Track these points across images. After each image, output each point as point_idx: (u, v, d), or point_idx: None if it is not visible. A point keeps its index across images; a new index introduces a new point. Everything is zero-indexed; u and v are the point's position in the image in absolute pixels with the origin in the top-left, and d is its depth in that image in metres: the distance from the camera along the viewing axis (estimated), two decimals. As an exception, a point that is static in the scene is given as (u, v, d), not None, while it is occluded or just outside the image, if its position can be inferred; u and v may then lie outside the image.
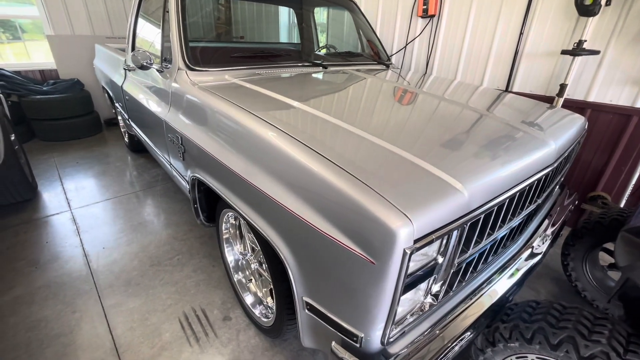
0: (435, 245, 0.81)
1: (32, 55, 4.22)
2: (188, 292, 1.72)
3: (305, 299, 0.97)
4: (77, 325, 1.52)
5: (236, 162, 1.15)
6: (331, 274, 0.86)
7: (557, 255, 2.09)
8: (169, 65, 1.71)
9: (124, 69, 2.45)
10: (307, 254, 0.91)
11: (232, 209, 1.38)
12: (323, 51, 2.66)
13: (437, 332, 0.95)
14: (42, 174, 3.01)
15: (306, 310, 0.99)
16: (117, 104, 3.17)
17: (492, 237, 1.03)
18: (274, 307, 1.28)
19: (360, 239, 0.75)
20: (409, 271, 0.76)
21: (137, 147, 3.51)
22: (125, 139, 3.65)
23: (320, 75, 1.82)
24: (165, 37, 1.77)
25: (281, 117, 1.14)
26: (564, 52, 2.01)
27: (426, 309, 0.94)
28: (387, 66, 2.42)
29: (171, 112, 1.63)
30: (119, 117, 3.63)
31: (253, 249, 1.45)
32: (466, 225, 0.83)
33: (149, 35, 2.06)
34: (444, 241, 0.81)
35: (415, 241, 0.72)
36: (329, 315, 0.92)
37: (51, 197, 2.62)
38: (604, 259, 1.84)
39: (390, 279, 0.74)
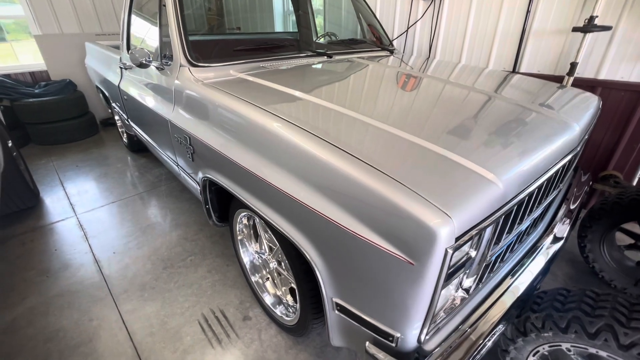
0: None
1: (20, 56, 4.09)
2: (205, 294, 1.71)
3: (335, 299, 0.95)
4: (96, 333, 1.51)
5: (253, 162, 1.10)
6: (364, 275, 0.84)
7: (572, 237, 2.09)
8: (170, 62, 1.64)
9: (120, 67, 2.37)
10: (337, 255, 0.88)
11: (248, 209, 1.35)
12: (323, 39, 2.58)
13: (470, 326, 0.94)
14: (42, 179, 2.95)
15: (336, 311, 0.97)
16: (114, 104, 3.09)
17: (520, 227, 1.01)
18: (297, 307, 1.26)
19: (396, 240, 0.72)
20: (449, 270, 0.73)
21: (136, 147, 3.45)
22: (124, 139, 3.58)
23: (327, 66, 1.76)
24: (164, 33, 1.70)
25: (297, 113, 1.09)
26: (575, 30, 1.95)
27: (458, 304, 0.92)
28: (391, 52, 2.35)
29: (176, 111, 1.58)
30: (117, 117, 3.55)
31: (271, 248, 1.43)
32: (501, 218, 0.81)
33: (145, 31, 1.98)
34: (479, 235, 0.78)
35: (456, 239, 0.69)
36: (362, 315, 0.90)
37: (54, 202, 2.58)
38: (621, 239, 1.83)
39: (430, 279, 0.71)
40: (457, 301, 0.93)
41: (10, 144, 2.55)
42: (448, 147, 0.88)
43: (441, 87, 1.44)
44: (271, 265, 1.44)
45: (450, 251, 0.67)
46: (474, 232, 0.72)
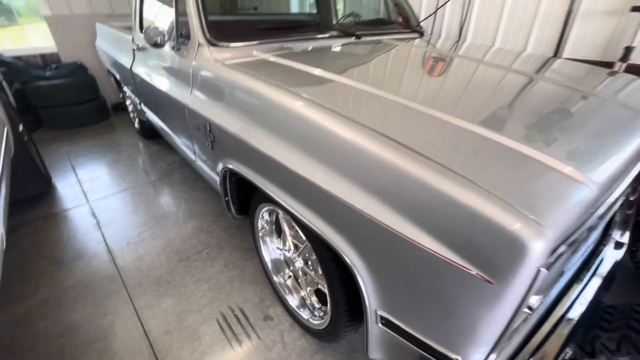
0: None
1: (31, 39, 3.99)
2: (222, 290, 1.62)
3: (380, 312, 0.84)
4: (111, 329, 1.43)
5: (285, 154, 0.98)
6: (420, 290, 0.72)
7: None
8: (187, 42, 1.51)
9: (133, 49, 2.25)
10: (386, 265, 0.76)
11: (274, 204, 1.23)
12: (347, 20, 2.40)
13: (536, 348, 0.82)
14: (54, 164, 2.89)
15: (380, 325, 0.86)
16: (125, 88, 2.98)
17: (594, 233, 0.87)
18: (328, 311, 1.16)
19: (470, 254, 0.60)
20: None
21: (149, 134, 3.35)
22: (136, 125, 3.49)
23: (357, 47, 1.60)
24: (180, 10, 1.56)
25: (338, 100, 0.96)
26: (634, 9, 1.75)
27: (521, 322, 0.80)
28: (421, 34, 2.17)
29: (194, 95, 1.45)
30: (128, 102, 3.45)
31: (296, 246, 1.32)
32: (593, 225, 0.67)
33: (160, 9, 1.84)
34: (573, 249, 0.65)
35: (549, 255, 0.56)
36: (412, 333, 0.78)
37: (67, 189, 2.51)
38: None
39: (511, 302, 0.59)
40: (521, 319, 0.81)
41: (21, 128, 2.47)
42: (521, 140, 0.74)
43: (491, 71, 1.28)
44: (296, 264, 1.33)
45: (543, 270, 0.55)
46: (566, 245, 0.59)
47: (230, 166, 1.29)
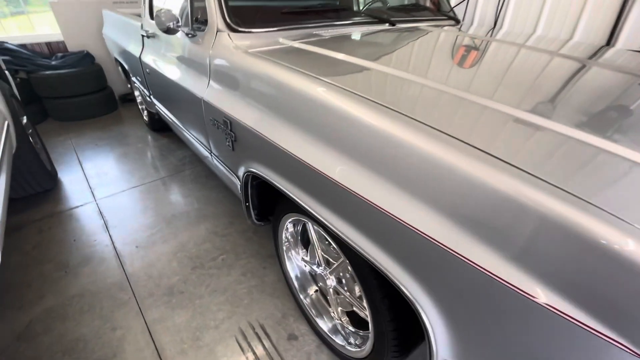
0: None
1: (38, 28, 3.85)
2: (241, 303, 1.48)
3: (452, 363, 0.68)
4: (120, 346, 1.31)
5: (327, 161, 0.82)
6: (517, 346, 0.55)
7: None
8: (203, 28, 1.34)
9: (142, 35, 2.08)
10: (472, 310, 0.60)
11: (304, 214, 1.07)
12: (377, 5, 2.20)
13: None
14: (60, 158, 2.77)
15: (448, 377, 0.70)
16: (134, 79, 2.82)
17: None
18: (370, 342, 1.00)
19: (599, 310, 0.43)
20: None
21: (158, 126, 3.20)
22: (145, 118, 3.34)
23: (395, 35, 1.42)
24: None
25: (389, 95, 0.79)
26: None
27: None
28: (457, 21, 1.97)
29: (212, 87, 1.29)
30: (137, 93, 3.30)
31: (328, 262, 1.16)
32: None
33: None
34: None
35: None
36: (496, 393, 0.62)
37: (73, 185, 2.38)
38: None
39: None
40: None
41: (25, 121, 2.34)
42: (620, 141, 0.57)
43: (558, 62, 1.09)
44: (327, 282, 1.18)
45: None
46: None
47: (254, 170, 1.13)
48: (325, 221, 0.87)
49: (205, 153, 1.59)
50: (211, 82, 1.30)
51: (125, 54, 2.63)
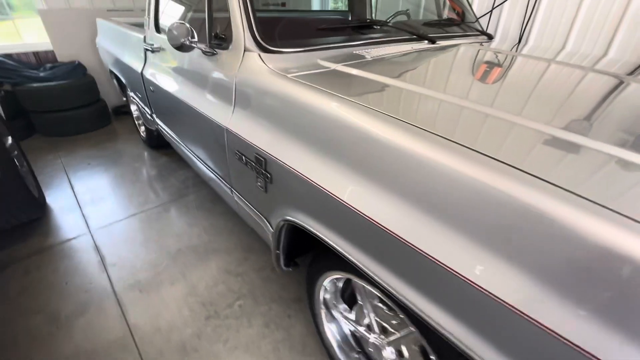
0: None
1: (24, 35, 3.59)
2: (267, 363, 1.27)
3: None
4: None
5: (401, 218, 0.63)
6: None
7: None
8: (225, 45, 1.16)
9: (145, 50, 1.88)
10: None
11: (360, 276, 0.88)
12: (388, 20, 2.05)
13: None
14: (49, 180, 2.51)
15: None
16: (132, 94, 2.61)
17: None
18: None
19: None
20: None
21: (156, 143, 2.98)
22: (142, 134, 3.12)
23: (443, 54, 1.25)
24: (215, 4, 1.20)
25: (466, 131, 0.62)
26: None
27: None
28: (489, 37, 1.83)
29: (239, 115, 1.10)
30: (134, 108, 3.08)
31: (384, 329, 0.97)
32: None
33: (185, 1, 1.48)
34: None
35: None
36: None
37: (64, 213, 2.14)
38: None
39: None
40: None
41: (10, 142, 2.10)
42: None
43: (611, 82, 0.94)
44: (384, 353, 0.98)
45: None
46: None
47: (294, 219, 0.94)
48: (392, 289, 0.69)
49: (225, 188, 1.39)
50: (237, 109, 1.10)
51: (123, 66, 2.42)
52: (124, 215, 2.11)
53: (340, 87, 0.87)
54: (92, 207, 2.19)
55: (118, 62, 2.54)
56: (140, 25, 2.76)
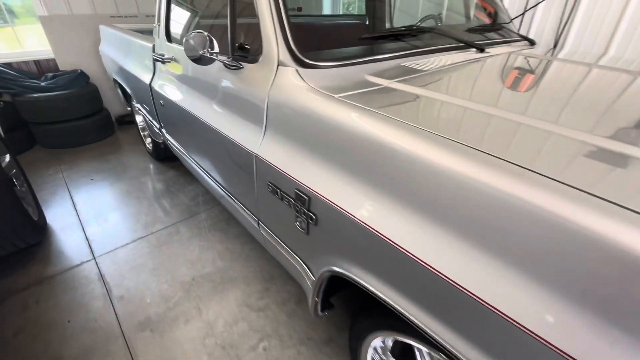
0: None
1: (26, 42, 3.45)
2: (300, 423, 1.10)
3: None
4: None
5: (481, 277, 0.47)
6: None
7: None
8: (255, 58, 1.00)
9: (154, 60, 1.72)
10: None
11: (421, 339, 0.71)
12: (419, 24, 1.89)
13: None
14: (50, 198, 2.36)
15: None
16: (138, 105, 2.45)
17: None
18: None
19: None
20: None
21: (163, 156, 2.82)
22: (147, 145, 2.96)
23: (502, 64, 1.09)
24: (238, 9, 1.05)
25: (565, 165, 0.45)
26: None
27: None
28: (531, 42, 1.67)
29: (271, 141, 0.94)
30: (139, 119, 2.93)
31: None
32: None
33: (200, 8, 1.33)
34: None
35: None
36: None
37: (66, 235, 1.98)
38: None
39: None
40: None
41: (7, 160, 1.94)
42: None
43: None
44: None
45: None
46: None
47: (343, 272, 0.77)
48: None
49: (249, 219, 1.22)
50: (269, 132, 0.94)
51: (128, 76, 2.26)
52: (131, 238, 1.95)
53: (408, 112, 0.71)
54: (96, 229, 2.03)
55: (123, 72, 2.39)
56: (145, 32, 2.61)
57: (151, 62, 1.81)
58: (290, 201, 0.87)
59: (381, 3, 2.20)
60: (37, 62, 3.38)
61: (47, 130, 3.08)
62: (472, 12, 1.90)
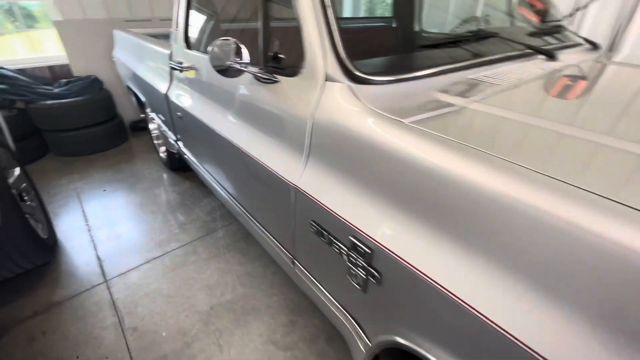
0: None
1: (46, 47, 3.39)
2: None
3: None
4: None
5: None
6: None
7: None
8: (295, 71, 0.84)
9: (171, 67, 1.58)
10: None
11: None
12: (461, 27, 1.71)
13: None
14: (61, 211, 2.25)
15: None
16: (153, 114, 2.33)
17: None
18: None
19: None
20: None
21: (177, 165, 2.70)
22: (161, 154, 2.84)
23: (579, 74, 0.91)
24: (272, 13, 0.89)
25: None
26: None
27: None
28: (595, 46, 1.47)
29: (314, 171, 0.77)
30: (153, 127, 2.81)
31: None
32: None
33: (225, 11, 1.18)
34: None
35: None
36: None
37: (77, 254, 1.86)
38: None
39: None
40: None
41: (17, 174, 1.83)
42: None
43: None
44: None
45: None
46: None
47: (407, 343, 0.60)
48: None
49: (282, 255, 1.06)
50: (313, 161, 0.78)
51: (142, 84, 2.14)
52: (144, 259, 1.81)
53: (519, 148, 0.53)
54: (108, 246, 1.91)
55: (137, 79, 2.27)
56: (159, 37, 2.49)
57: (167, 70, 1.67)
58: (342, 249, 0.70)
59: (411, 3, 2.03)
60: (50, 68, 3.30)
61: (60, 138, 2.99)
62: (517, 11, 1.71)
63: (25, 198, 1.87)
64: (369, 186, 0.65)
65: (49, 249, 1.77)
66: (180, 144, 1.83)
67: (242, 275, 1.70)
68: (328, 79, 0.75)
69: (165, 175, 2.72)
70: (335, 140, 0.71)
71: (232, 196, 1.33)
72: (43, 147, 3.12)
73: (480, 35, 1.03)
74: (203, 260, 1.80)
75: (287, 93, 0.85)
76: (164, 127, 2.06)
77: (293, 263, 0.99)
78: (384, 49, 0.92)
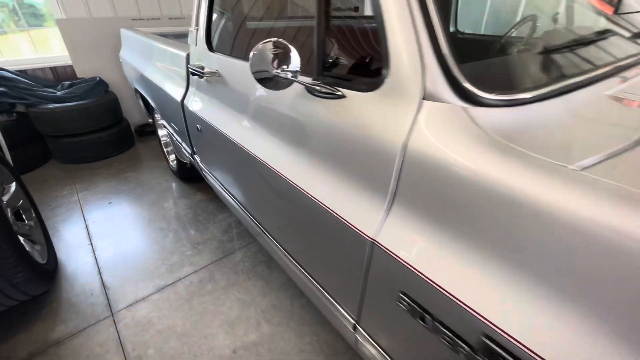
0: None
1: (52, 45, 3.20)
2: None
3: None
4: None
5: None
6: None
7: None
8: (373, 83, 0.62)
9: (190, 72, 1.37)
10: None
11: None
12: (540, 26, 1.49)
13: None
14: (63, 227, 2.05)
15: None
16: (164, 121, 2.13)
17: None
18: None
19: None
20: None
21: (188, 175, 2.50)
22: (171, 163, 2.64)
23: None
24: (341, 3, 0.67)
25: None
26: None
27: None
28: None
29: (403, 221, 0.56)
30: (161, 133, 2.61)
31: None
32: None
33: (264, 4, 0.97)
34: None
35: None
36: None
37: (79, 279, 1.66)
38: None
39: None
40: None
41: (13, 189, 1.63)
42: None
43: None
44: None
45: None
46: None
47: None
48: None
49: (339, 318, 0.84)
50: (401, 209, 0.57)
51: (152, 88, 1.94)
52: (155, 287, 1.61)
53: None
54: (113, 271, 1.70)
55: (146, 82, 2.07)
56: (168, 36, 2.29)
57: (183, 75, 1.47)
58: (461, 349, 0.49)
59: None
60: (53, 69, 3.12)
61: (63, 144, 2.80)
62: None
63: (23, 217, 1.67)
64: (515, 262, 0.44)
65: (47, 275, 1.56)
66: (197, 157, 1.62)
67: (267, 308, 1.49)
68: (427, 97, 0.54)
69: (174, 186, 2.52)
70: (445, 185, 0.50)
71: (265, 229, 1.12)
72: (45, 154, 2.93)
73: (590, 39, 0.81)
74: (221, 289, 1.59)
75: (358, 112, 0.63)
76: (177, 138, 1.86)
77: (355, 328, 0.78)
78: (502, 56, 0.71)
